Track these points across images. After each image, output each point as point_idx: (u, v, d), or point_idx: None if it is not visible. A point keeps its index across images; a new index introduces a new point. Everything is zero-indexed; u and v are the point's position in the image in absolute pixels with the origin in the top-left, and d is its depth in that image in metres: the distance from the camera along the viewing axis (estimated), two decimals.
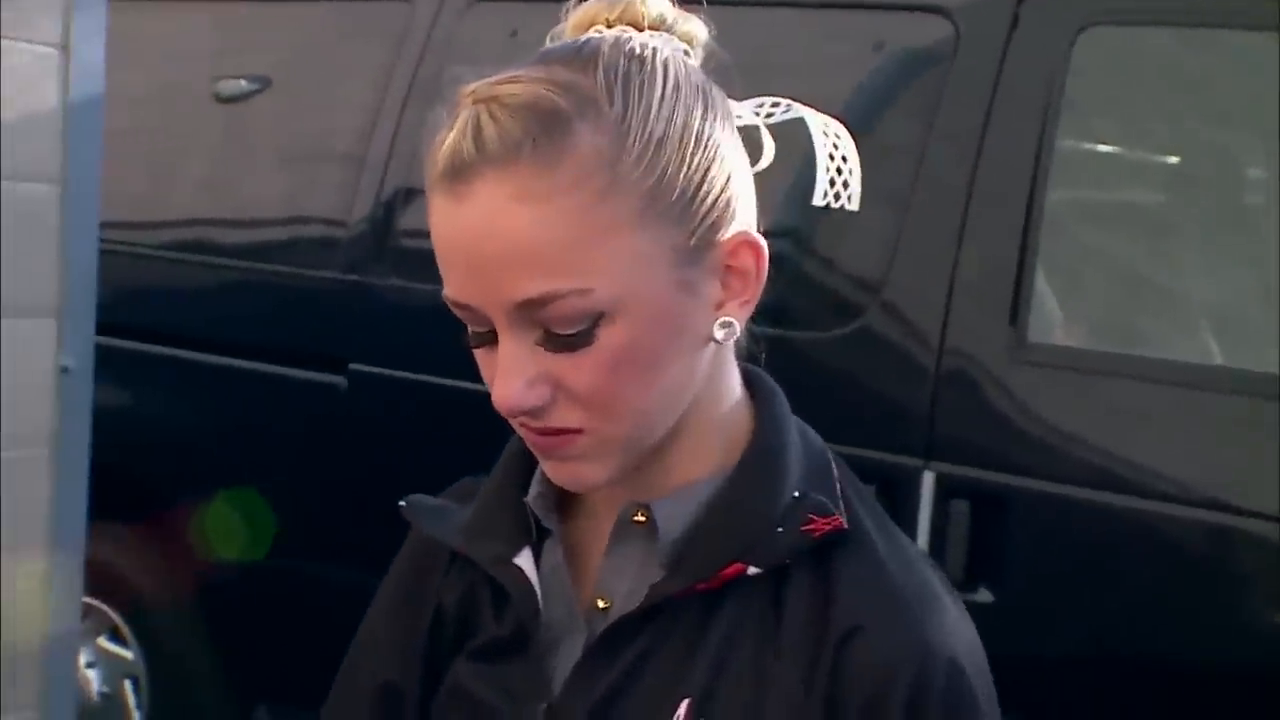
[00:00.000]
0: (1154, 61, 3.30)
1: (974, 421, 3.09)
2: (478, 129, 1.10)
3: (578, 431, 1.15)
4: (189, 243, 4.11)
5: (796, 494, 1.19)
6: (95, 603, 3.85)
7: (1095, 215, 3.43)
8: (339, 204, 3.82)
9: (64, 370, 3.02)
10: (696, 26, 1.20)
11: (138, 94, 4.02)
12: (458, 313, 1.16)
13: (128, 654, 3.98)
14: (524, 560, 1.23)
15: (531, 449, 1.19)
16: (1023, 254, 3.07)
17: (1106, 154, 3.53)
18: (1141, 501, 2.96)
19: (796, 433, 1.23)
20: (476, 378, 4.11)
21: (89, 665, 3.89)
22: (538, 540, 1.25)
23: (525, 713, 1.22)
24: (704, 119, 1.14)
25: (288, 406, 3.85)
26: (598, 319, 1.11)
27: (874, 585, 1.17)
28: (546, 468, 1.20)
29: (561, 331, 1.11)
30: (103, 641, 3.96)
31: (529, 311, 1.11)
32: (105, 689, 3.95)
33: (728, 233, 1.15)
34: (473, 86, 1.13)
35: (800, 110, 1.24)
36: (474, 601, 1.27)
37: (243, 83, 4.09)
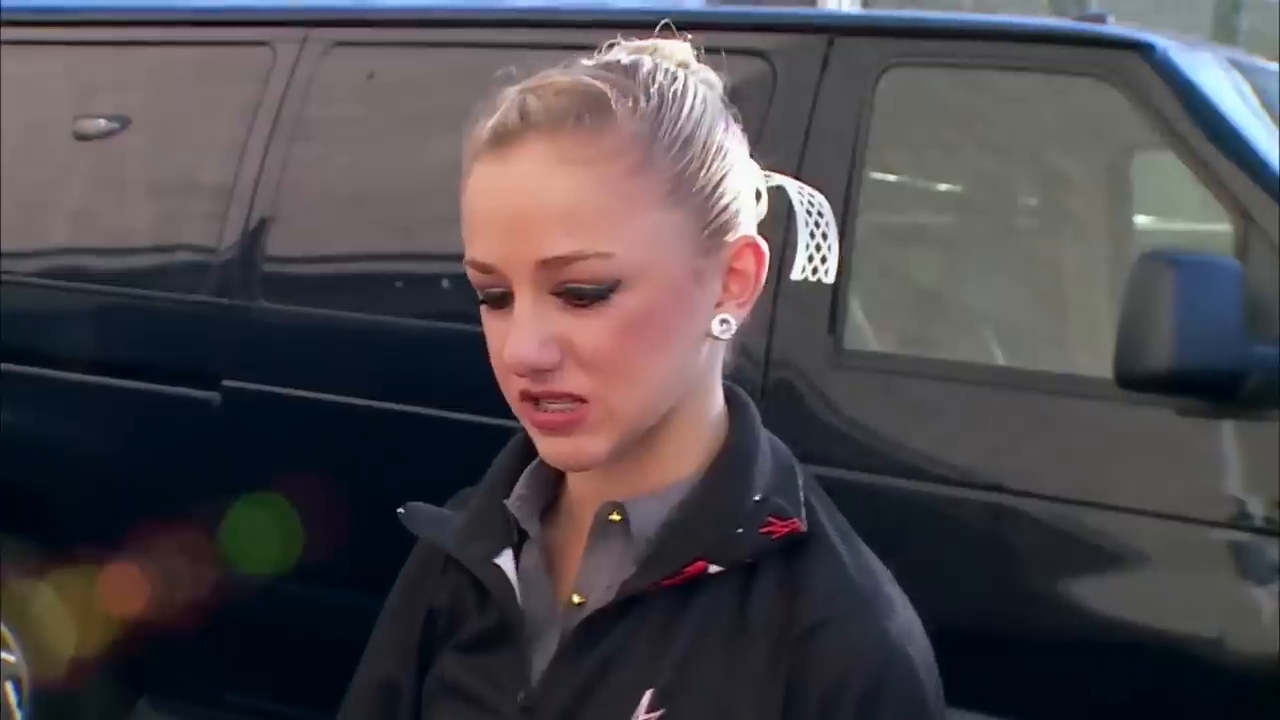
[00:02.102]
0: (945, 99, 3.69)
1: (799, 421, 3.40)
2: (524, 105, 1.20)
3: (583, 401, 1.21)
4: (64, 271, 4.32)
5: (758, 498, 1.26)
6: None
7: (899, 237, 3.81)
8: (209, 232, 4.07)
9: None
10: (712, 75, 1.30)
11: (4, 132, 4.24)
12: (477, 277, 1.22)
13: (10, 658, 4.16)
14: (504, 560, 1.29)
15: (532, 429, 1.25)
16: (838, 272, 3.39)
17: (907, 182, 3.91)
18: (939, 486, 3.32)
19: (766, 442, 1.31)
20: (341, 390, 4.43)
21: None
22: (520, 542, 1.31)
23: (505, 702, 1.28)
24: (724, 134, 1.26)
25: (165, 420, 4.09)
26: (615, 285, 1.19)
27: (837, 584, 1.24)
28: (546, 447, 1.25)
29: (580, 288, 1.19)
30: None
31: (553, 271, 1.19)
32: None
33: (735, 235, 1.25)
34: (514, 85, 1.23)
35: (780, 179, 1.33)
36: (462, 599, 1.34)
37: (102, 121, 4.29)
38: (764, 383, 3.42)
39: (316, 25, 4.13)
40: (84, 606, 4.07)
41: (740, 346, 3.83)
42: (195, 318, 4.07)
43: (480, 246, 1.21)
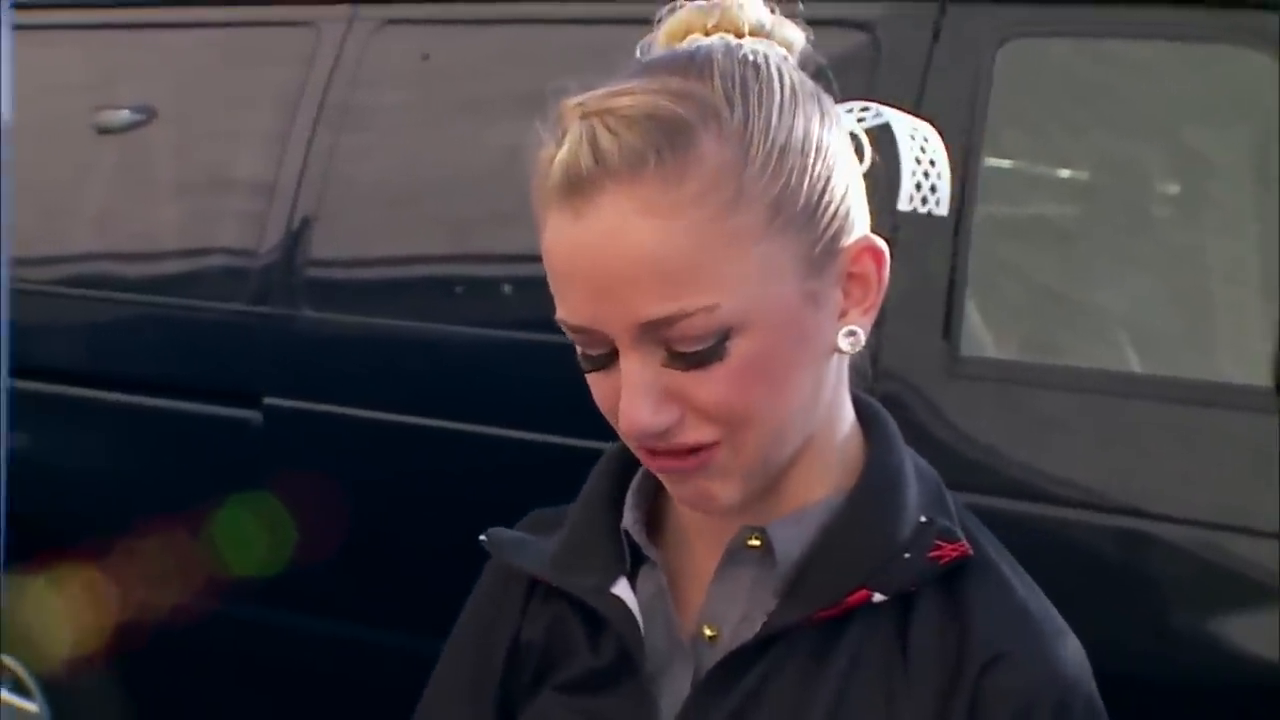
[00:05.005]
0: (1072, 73, 3.61)
1: (910, 438, 3.37)
2: (595, 142, 1.14)
3: (714, 445, 1.19)
4: (85, 279, 4.32)
5: (924, 519, 1.25)
6: None
7: (1020, 230, 3.76)
8: (248, 233, 4.05)
9: None
10: (793, 32, 1.25)
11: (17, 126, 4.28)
12: (572, 336, 1.20)
13: (31, 706, 4.16)
14: (622, 589, 1.28)
15: (658, 473, 1.24)
16: (953, 271, 3.34)
17: (1029, 168, 3.86)
18: (1068, 510, 3.27)
19: (909, 459, 1.31)
20: (395, 409, 4.45)
21: None
22: (632, 568, 1.30)
23: None
24: (821, 126, 1.20)
25: (200, 443, 4.07)
26: (726, 335, 1.15)
27: (1009, 612, 1.23)
28: (674, 488, 1.23)
29: (688, 350, 1.16)
30: (5, 695, 4.13)
31: (654, 331, 1.15)
32: None
33: (849, 239, 1.21)
34: (578, 100, 1.17)
35: (887, 113, 1.29)
36: (563, 633, 1.32)
37: (125, 113, 4.29)
38: (871, 391, 3.36)
39: (365, 1, 4.09)
40: (112, 653, 4.07)
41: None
42: (232, 329, 4.04)
43: (570, 307, 1.18)
